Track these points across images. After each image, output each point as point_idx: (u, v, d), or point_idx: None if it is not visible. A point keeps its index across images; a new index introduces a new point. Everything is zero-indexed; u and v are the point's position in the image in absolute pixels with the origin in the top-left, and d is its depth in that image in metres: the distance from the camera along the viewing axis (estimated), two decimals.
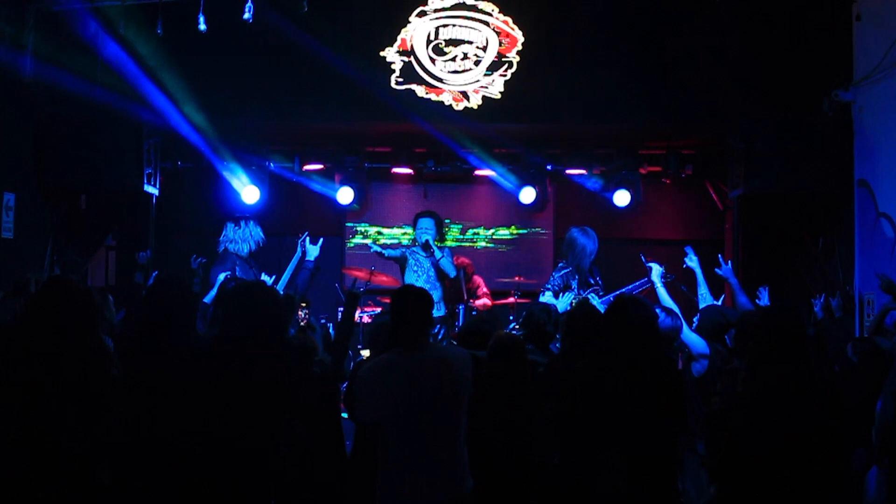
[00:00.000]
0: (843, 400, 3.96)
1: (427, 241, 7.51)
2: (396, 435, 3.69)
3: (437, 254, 7.48)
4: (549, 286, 7.16)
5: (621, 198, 8.89)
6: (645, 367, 3.72)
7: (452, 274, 7.62)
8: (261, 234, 7.14)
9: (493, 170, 9.02)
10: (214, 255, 7.31)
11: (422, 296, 3.95)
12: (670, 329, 5.03)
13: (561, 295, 6.93)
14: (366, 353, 7.05)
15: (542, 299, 7.03)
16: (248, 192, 8.82)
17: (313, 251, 6.65)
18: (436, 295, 7.43)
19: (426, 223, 7.65)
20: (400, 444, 3.68)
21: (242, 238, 7.03)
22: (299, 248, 6.88)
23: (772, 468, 3.56)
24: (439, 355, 3.91)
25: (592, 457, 3.71)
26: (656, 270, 6.19)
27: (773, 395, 3.63)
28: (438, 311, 7.44)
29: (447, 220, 9.72)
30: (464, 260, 8.77)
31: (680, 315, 5.34)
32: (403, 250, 7.78)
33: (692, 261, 6.21)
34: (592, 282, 7.45)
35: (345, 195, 9.17)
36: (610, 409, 3.68)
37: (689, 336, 5.21)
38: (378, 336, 4.63)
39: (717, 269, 6.29)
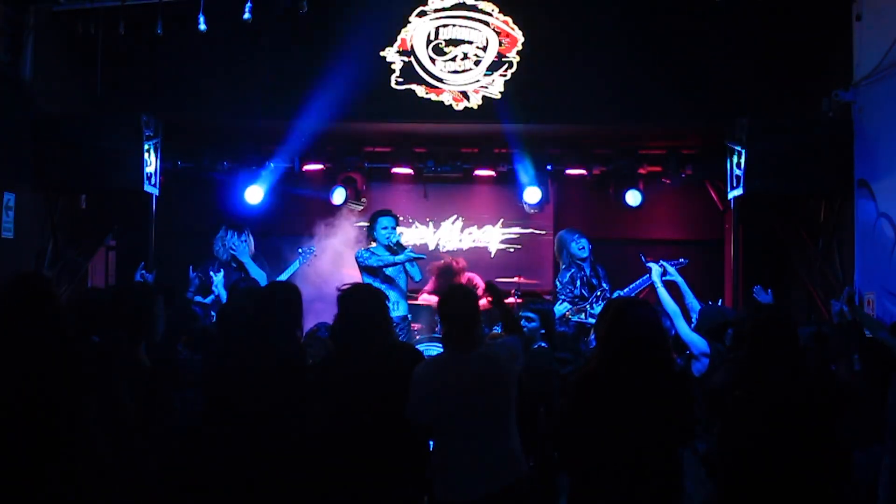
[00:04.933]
0: (856, 401, 3.97)
1: (399, 241, 7.02)
2: (448, 433, 3.77)
3: (406, 255, 6.97)
4: (563, 296, 7.11)
5: (633, 198, 9.02)
6: (647, 371, 3.59)
7: (418, 277, 7.20)
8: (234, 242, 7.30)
9: (515, 166, 8.89)
10: (213, 257, 7.35)
11: (468, 294, 3.98)
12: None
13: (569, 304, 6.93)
14: None
15: (558, 309, 6.98)
16: (252, 192, 8.84)
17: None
18: (394, 295, 6.88)
19: (390, 222, 7.16)
20: (452, 441, 3.76)
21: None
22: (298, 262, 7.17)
23: (769, 464, 3.56)
24: (489, 353, 3.91)
25: (591, 460, 3.65)
26: (656, 270, 6.20)
27: (768, 391, 3.63)
28: (397, 311, 6.88)
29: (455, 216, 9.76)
30: (460, 260, 8.80)
31: (676, 315, 5.35)
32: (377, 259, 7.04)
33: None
34: (596, 283, 7.43)
35: (339, 196, 9.17)
36: (611, 414, 3.57)
37: (690, 336, 5.23)
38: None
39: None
